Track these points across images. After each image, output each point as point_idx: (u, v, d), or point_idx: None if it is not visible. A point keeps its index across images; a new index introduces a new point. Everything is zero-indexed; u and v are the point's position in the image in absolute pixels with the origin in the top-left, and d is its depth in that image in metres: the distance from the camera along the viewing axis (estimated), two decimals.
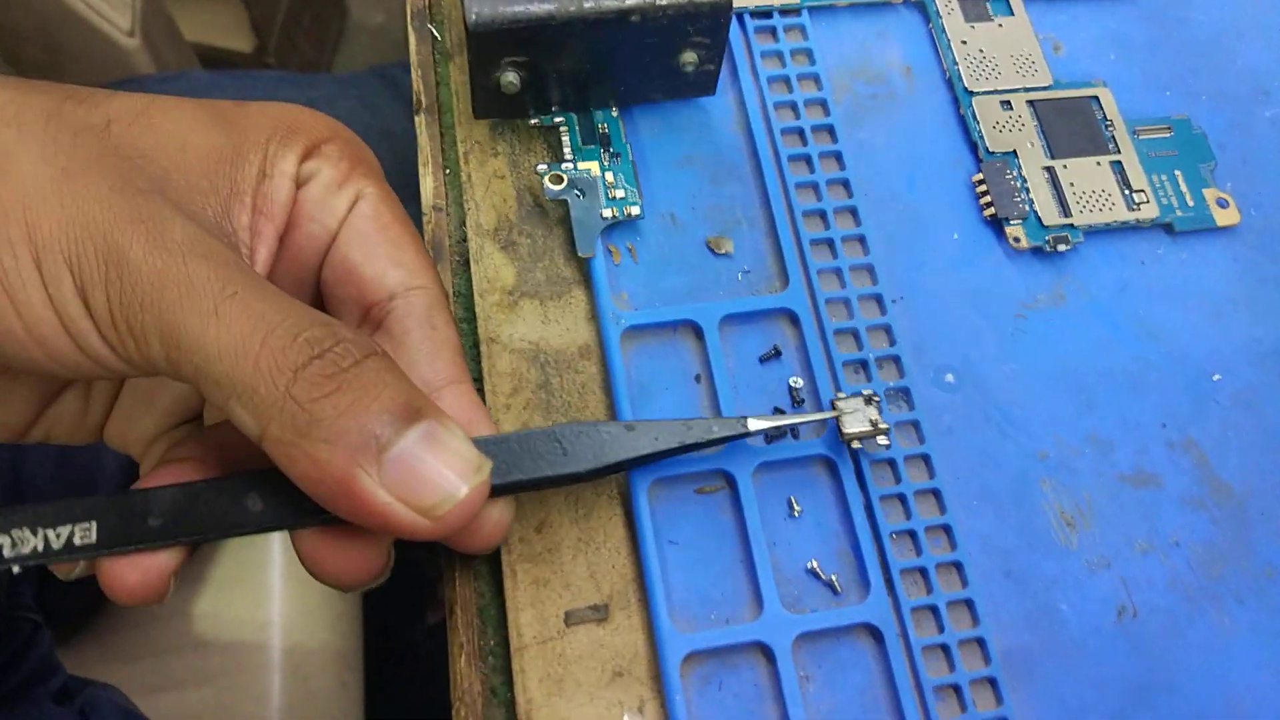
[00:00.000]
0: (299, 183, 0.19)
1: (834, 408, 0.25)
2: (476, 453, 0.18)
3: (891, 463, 0.25)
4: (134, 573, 0.18)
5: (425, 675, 0.60)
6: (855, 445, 0.24)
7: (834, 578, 0.24)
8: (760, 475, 0.25)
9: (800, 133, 0.30)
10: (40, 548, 0.17)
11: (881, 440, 0.24)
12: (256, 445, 0.17)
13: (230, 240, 0.18)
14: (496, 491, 0.19)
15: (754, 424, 0.23)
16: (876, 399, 0.24)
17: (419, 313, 0.20)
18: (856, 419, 0.24)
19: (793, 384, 0.26)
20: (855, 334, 0.27)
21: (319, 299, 0.21)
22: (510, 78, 0.28)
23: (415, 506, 0.17)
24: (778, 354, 0.27)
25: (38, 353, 0.16)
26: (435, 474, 0.17)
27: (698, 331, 0.27)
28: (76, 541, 0.17)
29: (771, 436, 0.25)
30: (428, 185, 0.30)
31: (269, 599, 0.51)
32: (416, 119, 0.31)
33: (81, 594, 0.47)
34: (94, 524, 0.18)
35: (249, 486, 0.18)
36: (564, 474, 0.21)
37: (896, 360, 0.27)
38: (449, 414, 0.18)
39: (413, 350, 0.20)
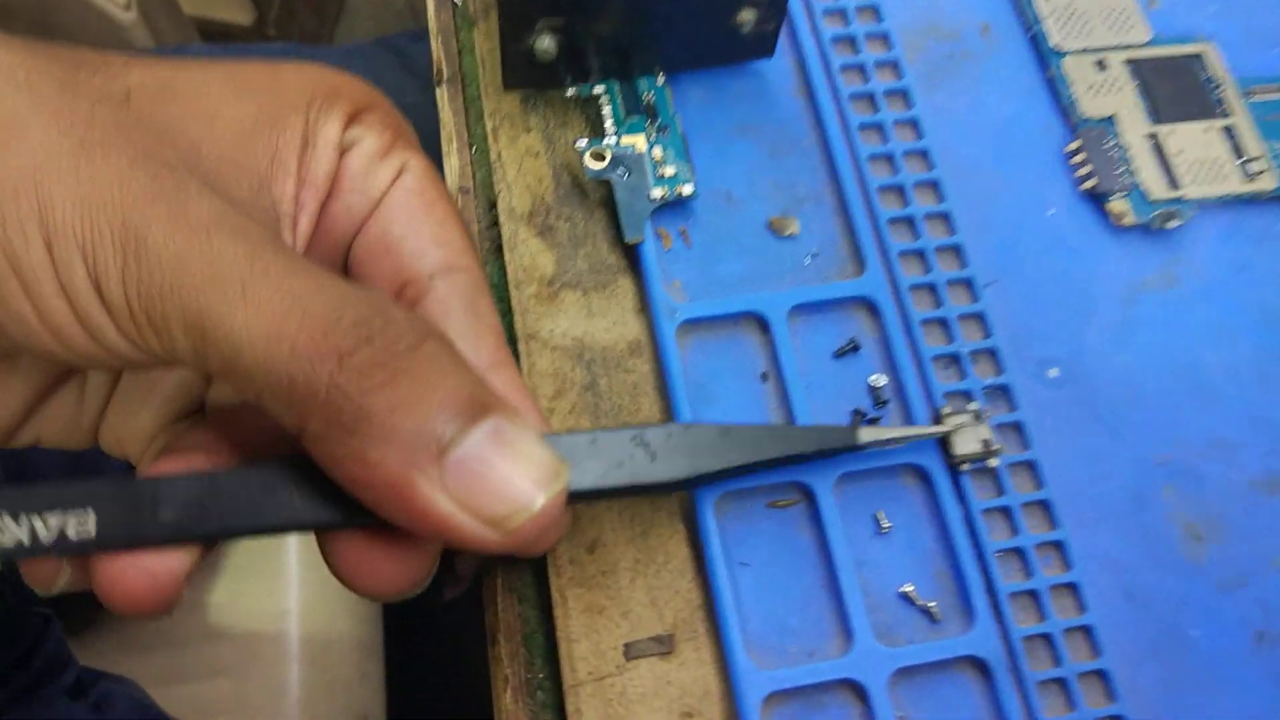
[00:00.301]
0: (341, 150, 0.19)
1: (939, 420, 0.23)
2: (553, 456, 0.16)
3: (993, 472, 0.23)
4: (138, 575, 0.16)
5: (446, 656, 0.59)
6: (964, 467, 0.23)
7: (932, 604, 0.22)
8: (842, 486, 0.23)
9: (870, 98, 0.28)
10: (26, 540, 0.15)
11: (991, 462, 0.23)
12: (278, 432, 0.15)
13: (269, 215, 0.17)
14: (572, 500, 0.18)
15: (866, 435, 0.21)
16: (988, 414, 0.22)
17: (462, 295, 0.19)
18: (966, 439, 0.22)
19: (873, 383, 0.24)
20: (944, 324, 0.25)
21: (345, 275, 0.20)
22: (545, 44, 0.26)
23: (483, 517, 0.15)
24: (855, 348, 0.25)
25: (50, 341, 0.15)
26: (506, 481, 0.15)
27: (763, 324, 0.25)
28: (70, 534, 0.15)
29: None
30: (453, 165, 0.28)
31: (286, 587, 0.51)
32: (438, 92, 0.29)
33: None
34: (92, 513, 0.15)
35: (282, 477, 0.16)
36: (650, 483, 0.18)
37: (993, 353, 0.25)
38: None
39: (454, 334, 0.19)
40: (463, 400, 0.15)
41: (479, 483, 0.15)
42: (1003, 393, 0.24)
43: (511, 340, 0.25)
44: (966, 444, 0.22)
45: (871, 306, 0.25)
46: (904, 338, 0.25)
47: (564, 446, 0.18)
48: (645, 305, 0.25)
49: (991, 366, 0.25)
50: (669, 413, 0.24)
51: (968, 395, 0.24)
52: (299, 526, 0.16)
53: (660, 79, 0.28)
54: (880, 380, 0.24)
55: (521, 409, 0.19)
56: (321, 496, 0.16)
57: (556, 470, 0.16)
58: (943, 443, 0.23)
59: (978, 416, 0.22)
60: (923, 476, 0.23)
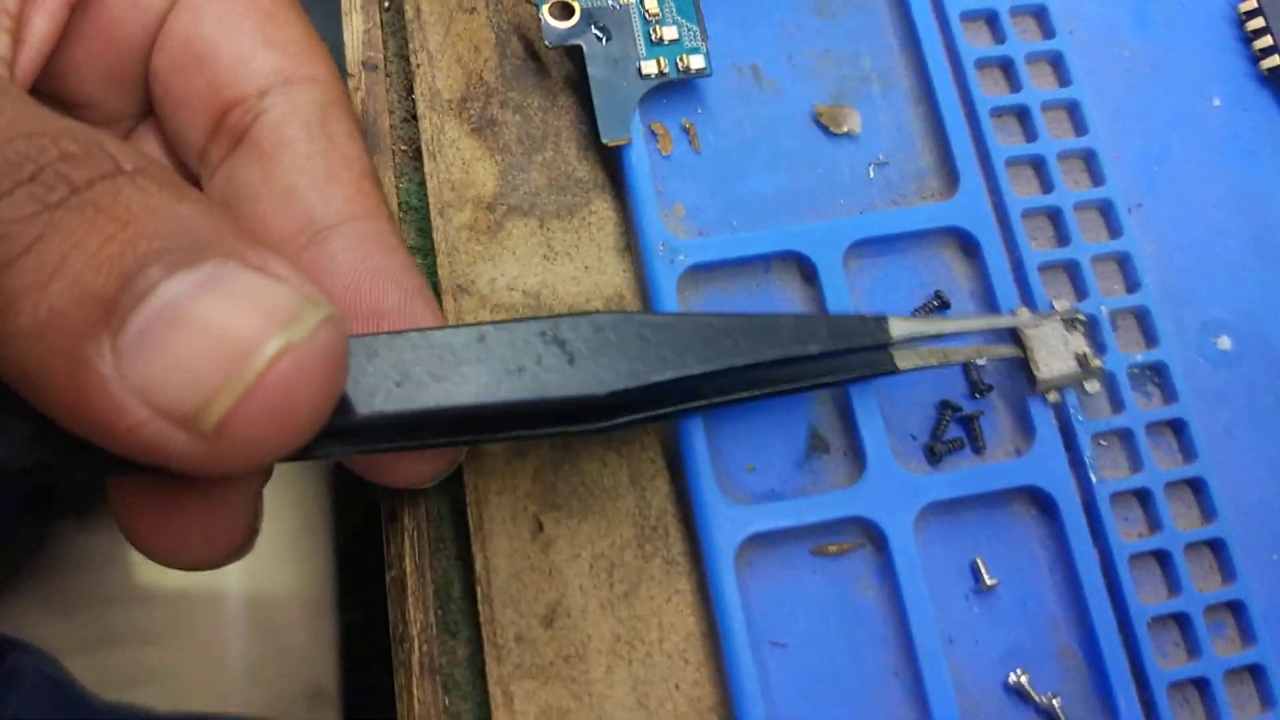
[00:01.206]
0: None
1: (1017, 341, 0.16)
2: (296, 290, 0.11)
3: (1143, 494, 0.16)
4: None
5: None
6: (1051, 398, 0.16)
7: (1054, 700, 0.15)
8: (926, 523, 0.16)
9: None
10: None
11: (1091, 386, 0.16)
12: None
13: None
14: (425, 425, 0.13)
15: (900, 327, 0.15)
16: (1084, 320, 0.16)
17: (306, 115, 0.15)
18: (1051, 352, 0.16)
19: (969, 359, 0.17)
20: (1073, 269, 0.17)
21: (147, 101, 0.16)
22: None
23: (169, 410, 0.10)
24: (943, 305, 0.17)
25: None
26: (204, 340, 0.11)
27: (807, 270, 0.17)
28: None
29: (939, 453, 0.16)
30: (354, 29, 0.20)
31: None
32: None
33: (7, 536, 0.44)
34: None
35: None
36: (566, 398, 0.13)
37: (1141, 315, 0.17)
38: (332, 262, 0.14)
39: (292, 171, 0.15)
40: (164, 245, 0.11)
41: (164, 353, 0.10)
42: (1156, 374, 0.17)
43: (434, 293, 0.18)
44: (1054, 362, 0.16)
45: (966, 242, 0.18)
46: (1014, 289, 0.17)
47: (431, 347, 0.13)
48: (632, 241, 0.17)
49: (1139, 334, 0.17)
50: None
51: (1113, 388, 0.17)
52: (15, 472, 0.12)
53: None
54: (980, 355, 0.17)
55: (383, 285, 0.14)
56: (26, 428, 0.12)
57: (299, 307, 0.11)
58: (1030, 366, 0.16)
59: (1070, 323, 0.16)
60: (1043, 504, 0.16)
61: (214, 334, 0.10)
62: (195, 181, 0.16)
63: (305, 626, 0.48)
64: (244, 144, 0.15)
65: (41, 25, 0.14)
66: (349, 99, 0.16)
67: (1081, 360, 0.16)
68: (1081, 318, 0.17)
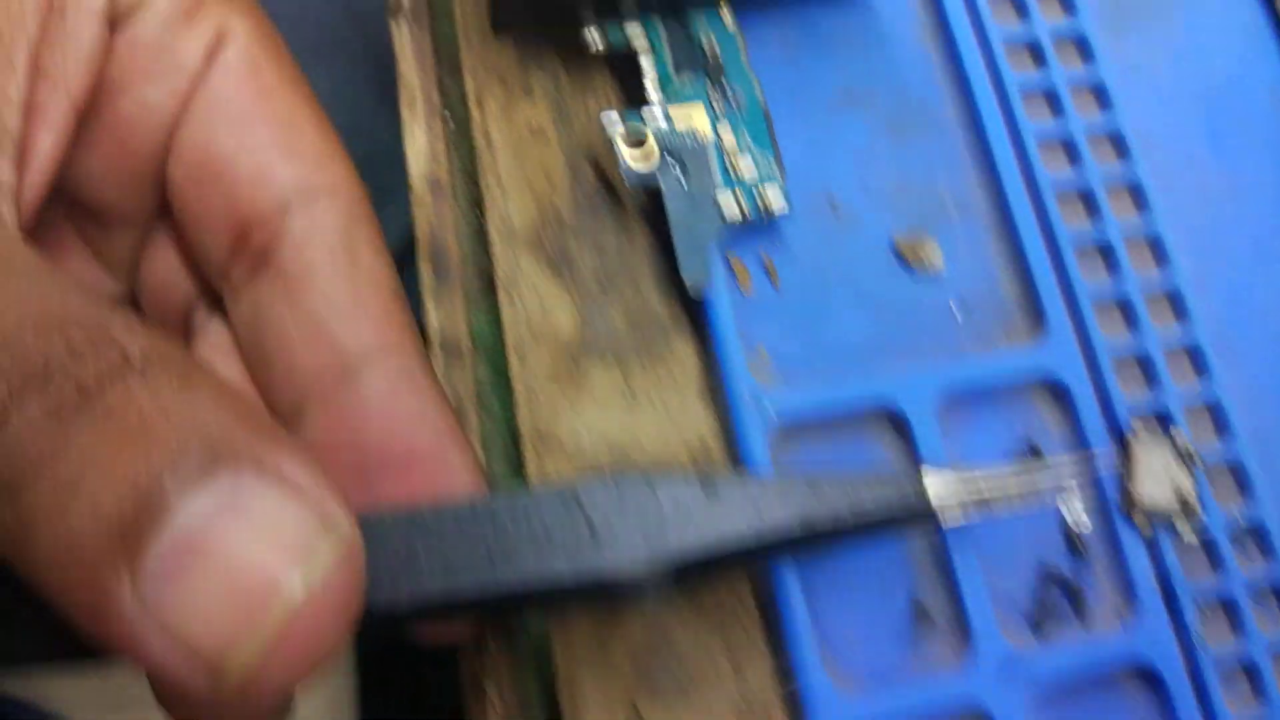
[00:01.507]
0: (114, 20, 0.14)
1: (1124, 449, 0.16)
2: (314, 513, 0.10)
3: (1252, 671, 0.15)
4: None
5: (428, 667, 0.53)
6: (1139, 523, 0.16)
7: None
8: (1035, 703, 0.15)
9: (1035, 49, 0.19)
10: None
11: (1186, 533, 0.16)
12: None
13: None
14: (442, 608, 0.12)
15: (934, 483, 0.14)
16: (1193, 455, 0.16)
17: (329, 234, 0.14)
18: (1153, 476, 0.15)
19: (1072, 524, 0.16)
20: (1165, 421, 0.17)
21: (165, 201, 0.15)
22: None
23: (192, 653, 0.10)
24: (1036, 458, 0.17)
25: None
26: (222, 583, 0.10)
27: (899, 422, 0.16)
28: None
29: (1039, 620, 0.15)
30: (417, 144, 0.19)
31: None
32: (394, 28, 0.19)
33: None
34: None
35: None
36: (591, 579, 0.12)
37: (1236, 468, 0.17)
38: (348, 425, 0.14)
39: (319, 301, 0.14)
40: (172, 451, 0.10)
41: (184, 590, 0.10)
42: (1257, 537, 0.16)
43: (514, 439, 0.17)
44: (1153, 486, 0.15)
45: (1057, 390, 0.17)
46: (1108, 440, 0.16)
47: (446, 523, 0.12)
48: (716, 386, 0.17)
49: (1234, 488, 0.17)
50: (767, 577, 0.15)
51: (1212, 548, 0.16)
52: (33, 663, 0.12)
53: (726, 17, 0.18)
54: (1081, 519, 0.16)
55: (415, 434, 0.14)
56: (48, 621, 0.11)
57: (315, 535, 0.10)
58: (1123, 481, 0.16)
59: (1184, 457, 0.16)
60: (1152, 681, 0.15)
61: (232, 571, 0.10)
62: (217, 297, 0.15)
63: (321, 685, 0.47)
64: (268, 268, 0.14)
65: (47, 142, 0.13)
66: (369, 206, 0.15)
67: (1181, 498, 0.16)
68: (1193, 453, 0.16)
